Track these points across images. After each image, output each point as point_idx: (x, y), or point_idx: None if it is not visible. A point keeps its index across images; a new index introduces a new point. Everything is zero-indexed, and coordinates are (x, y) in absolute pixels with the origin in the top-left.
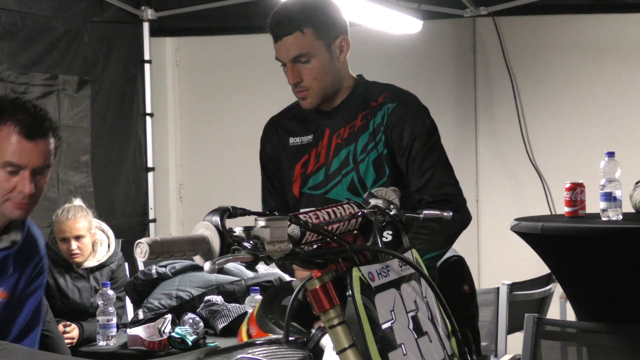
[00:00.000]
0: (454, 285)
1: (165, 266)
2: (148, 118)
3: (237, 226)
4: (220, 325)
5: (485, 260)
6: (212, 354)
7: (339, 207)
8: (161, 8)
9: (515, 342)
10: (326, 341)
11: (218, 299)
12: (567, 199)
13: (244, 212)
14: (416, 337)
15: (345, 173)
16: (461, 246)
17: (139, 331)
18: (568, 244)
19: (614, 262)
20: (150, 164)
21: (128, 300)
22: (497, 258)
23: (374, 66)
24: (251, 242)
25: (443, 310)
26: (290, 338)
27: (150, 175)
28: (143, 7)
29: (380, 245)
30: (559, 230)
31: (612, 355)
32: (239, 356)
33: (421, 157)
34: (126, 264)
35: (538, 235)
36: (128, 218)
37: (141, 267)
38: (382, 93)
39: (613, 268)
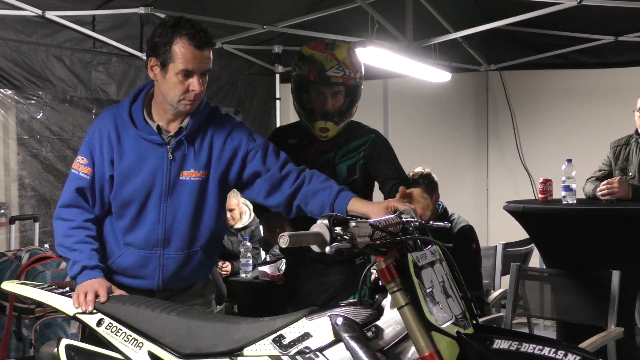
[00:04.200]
0: (466, 243)
1: None
2: None
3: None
4: None
5: (492, 228)
6: (314, 312)
7: (389, 218)
8: (287, 65)
9: (506, 281)
10: (385, 303)
11: None
12: (541, 189)
13: (342, 218)
14: (445, 297)
15: (325, 169)
16: (477, 219)
17: (266, 268)
18: (540, 218)
19: (570, 229)
20: None
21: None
22: (500, 227)
23: (417, 104)
24: (349, 235)
25: (457, 283)
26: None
27: None
28: (276, 64)
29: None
30: (534, 210)
31: (567, 290)
32: (329, 313)
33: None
34: (260, 227)
35: (520, 212)
36: None
37: None
38: (365, 128)
39: (570, 233)
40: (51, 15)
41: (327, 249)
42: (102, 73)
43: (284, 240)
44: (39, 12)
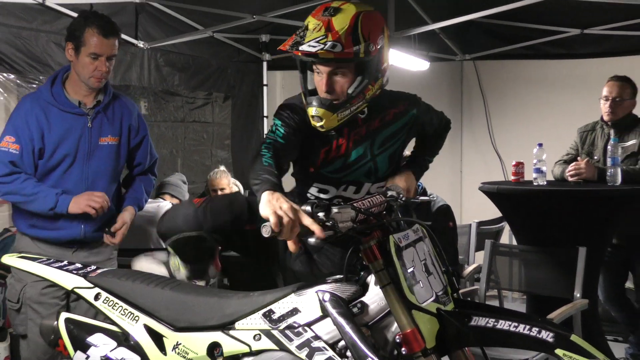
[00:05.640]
0: (444, 221)
1: None
2: (265, 119)
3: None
4: None
5: (465, 207)
6: (302, 288)
7: (374, 198)
8: (274, 53)
9: (480, 257)
10: (370, 280)
11: None
12: (513, 171)
13: (324, 204)
14: (427, 275)
15: (365, 163)
16: (451, 199)
17: None
18: (513, 198)
19: (539, 208)
20: None
21: None
22: (472, 206)
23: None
24: (331, 222)
25: (440, 259)
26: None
27: None
28: (263, 53)
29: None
30: (507, 190)
31: (537, 265)
32: (317, 289)
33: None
34: None
35: (495, 193)
36: None
37: None
38: (401, 102)
39: (539, 212)
40: (51, 3)
41: (312, 240)
42: None
43: (266, 230)
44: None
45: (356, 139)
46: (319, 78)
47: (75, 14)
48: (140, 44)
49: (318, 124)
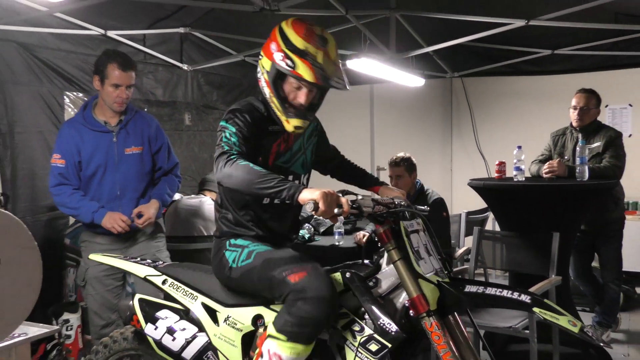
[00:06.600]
0: (439, 212)
1: None
2: None
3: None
4: (322, 230)
5: (455, 199)
6: (328, 270)
7: (388, 199)
8: None
9: (469, 241)
10: (382, 262)
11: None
12: (497, 169)
13: (350, 193)
14: (428, 255)
15: (300, 155)
16: (443, 193)
17: None
18: (496, 192)
19: (519, 200)
20: None
21: None
22: (462, 198)
23: (397, 105)
24: (356, 204)
25: (435, 247)
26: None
27: None
28: None
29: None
30: (492, 185)
31: (518, 248)
32: (341, 270)
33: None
34: None
35: (481, 187)
36: None
37: None
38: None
39: (518, 203)
40: (111, 34)
41: (308, 208)
42: (151, 80)
43: (310, 206)
44: (102, 31)
45: (295, 134)
46: (303, 92)
47: (130, 42)
48: (185, 66)
49: (298, 131)
